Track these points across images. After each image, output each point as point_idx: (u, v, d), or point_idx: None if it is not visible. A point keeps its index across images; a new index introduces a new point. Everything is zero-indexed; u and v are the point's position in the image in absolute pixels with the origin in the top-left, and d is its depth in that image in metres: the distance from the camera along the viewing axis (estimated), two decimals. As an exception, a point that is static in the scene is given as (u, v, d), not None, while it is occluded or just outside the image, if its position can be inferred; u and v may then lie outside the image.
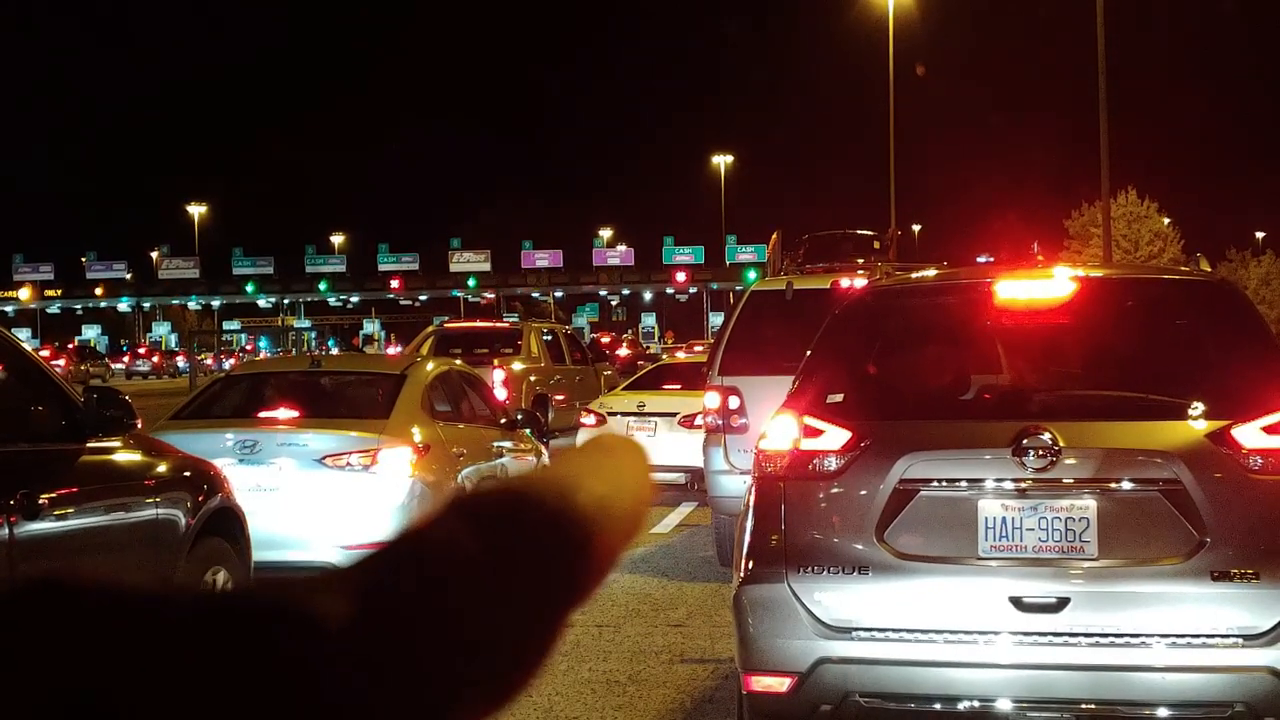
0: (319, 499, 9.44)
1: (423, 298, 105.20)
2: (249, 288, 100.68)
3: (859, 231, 22.74)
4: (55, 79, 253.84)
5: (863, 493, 5.07)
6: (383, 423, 9.92)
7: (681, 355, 27.74)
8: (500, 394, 18.17)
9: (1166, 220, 78.97)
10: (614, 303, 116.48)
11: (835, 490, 5.11)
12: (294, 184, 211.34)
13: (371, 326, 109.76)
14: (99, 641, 0.48)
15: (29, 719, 0.45)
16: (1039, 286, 5.62)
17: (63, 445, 6.18)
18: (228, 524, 7.25)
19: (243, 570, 7.38)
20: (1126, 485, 4.89)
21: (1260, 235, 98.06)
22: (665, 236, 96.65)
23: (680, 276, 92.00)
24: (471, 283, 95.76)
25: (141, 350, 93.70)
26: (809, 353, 5.69)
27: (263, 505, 8.73)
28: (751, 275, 52.93)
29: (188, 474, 6.98)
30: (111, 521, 6.27)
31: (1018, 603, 4.85)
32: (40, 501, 5.53)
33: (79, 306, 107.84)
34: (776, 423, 5.30)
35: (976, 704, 4.86)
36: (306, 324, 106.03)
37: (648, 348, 75.12)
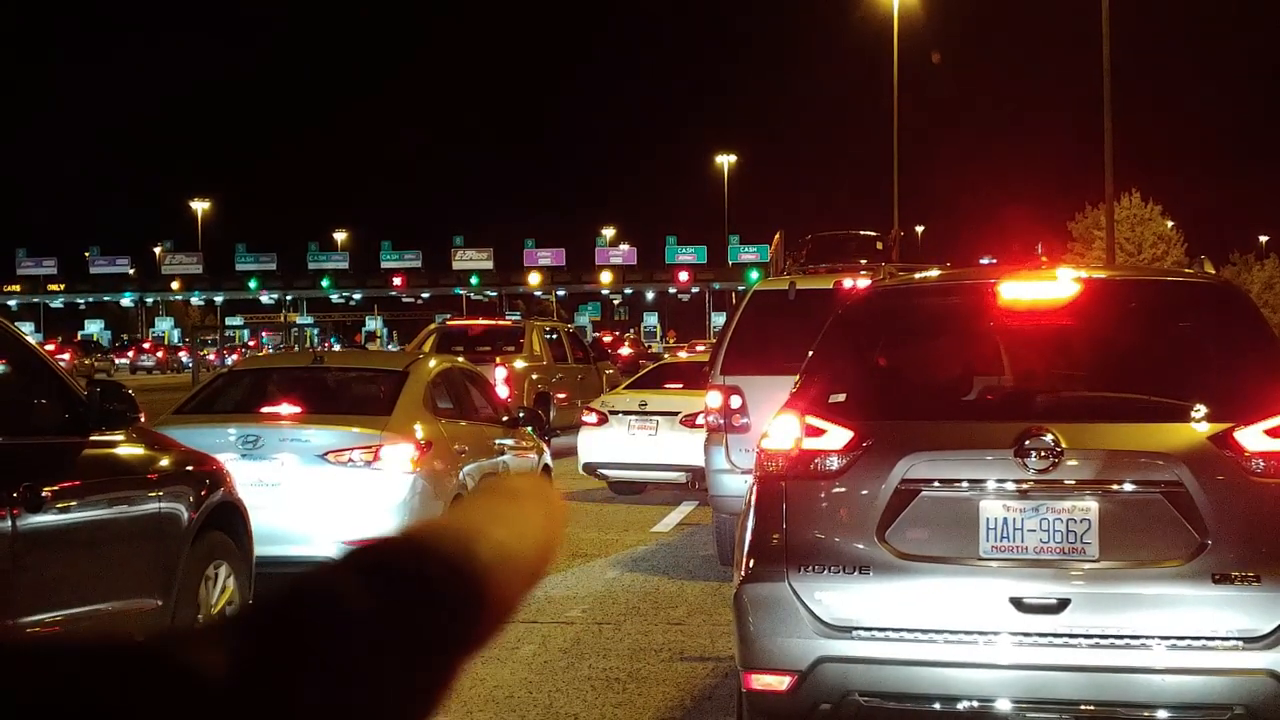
0: (321, 494, 9.46)
1: (425, 295, 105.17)
2: (252, 284, 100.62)
3: (862, 232, 22.75)
4: (60, 74, 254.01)
5: (864, 492, 5.07)
6: (385, 419, 9.94)
7: (683, 355, 27.76)
8: (502, 392, 18.18)
9: (1170, 223, 78.91)
10: (616, 302, 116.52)
11: (837, 490, 5.12)
12: (297, 180, 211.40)
13: (374, 324, 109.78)
14: None
15: None
16: (1042, 288, 5.62)
17: (66, 439, 6.19)
18: (230, 518, 7.26)
19: (244, 565, 7.39)
20: (1128, 487, 4.89)
21: (1264, 239, 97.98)
22: (668, 236, 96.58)
23: (683, 276, 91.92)
24: (474, 280, 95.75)
25: (146, 345, 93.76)
26: (811, 353, 5.70)
27: (265, 500, 8.75)
28: (754, 275, 52.89)
29: (190, 468, 6.99)
30: (114, 515, 6.28)
31: (1018, 603, 4.85)
32: (43, 495, 5.54)
33: (82, 301, 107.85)
34: (778, 422, 5.31)
35: (976, 704, 4.86)
36: (309, 320, 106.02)
37: (650, 347, 75.19)
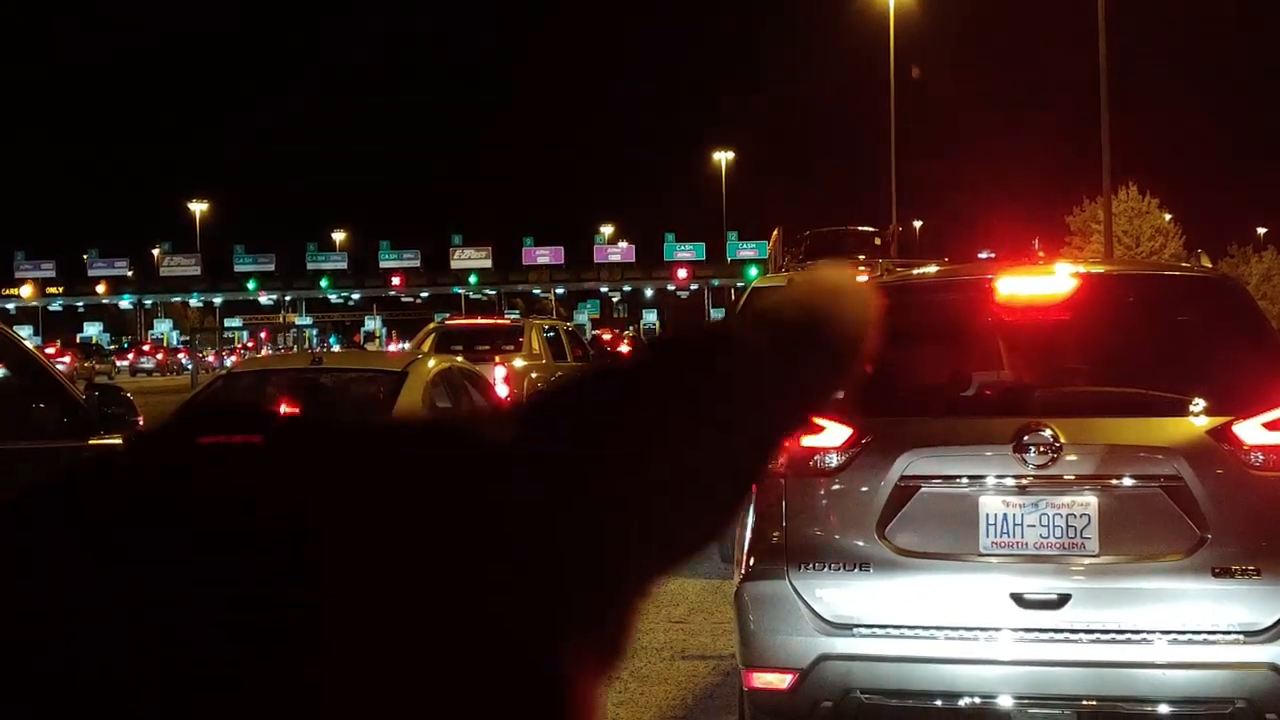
0: (320, 496, 9.45)
1: (424, 294, 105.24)
2: (250, 285, 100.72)
3: (860, 228, 22.77)
4: (57, 75, 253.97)
5: (864, 489, 5.07)
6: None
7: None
8: (502, 391, 18.17)
9: (1168, 216, 78.93)
10: (615, 299, 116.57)
11: (836, 487, 5.11)
12: (295, 181, 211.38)
13: (373, 323, 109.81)
14: None
15: None
16: (1040, 283, 5.61)
17: (64, 443, 6.18)
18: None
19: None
20: (1127, 481, 4.89)
21: (1262, 231, 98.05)
22: (666, 233, 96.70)
23: (681, 273, 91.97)
24: (473, 279, 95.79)
25: (146, 347, 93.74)
26: (810, 349, 5.69)
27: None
28: (753, 272, 52.89)
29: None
30: None
31: (1019, 599, 4.85)
32: None
33: (80, 304, 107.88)
34: (778, 419, 5.30)
35: (977, 700, 4.86)
36: (308, 321, 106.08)
37: (649, 344, 75.04)
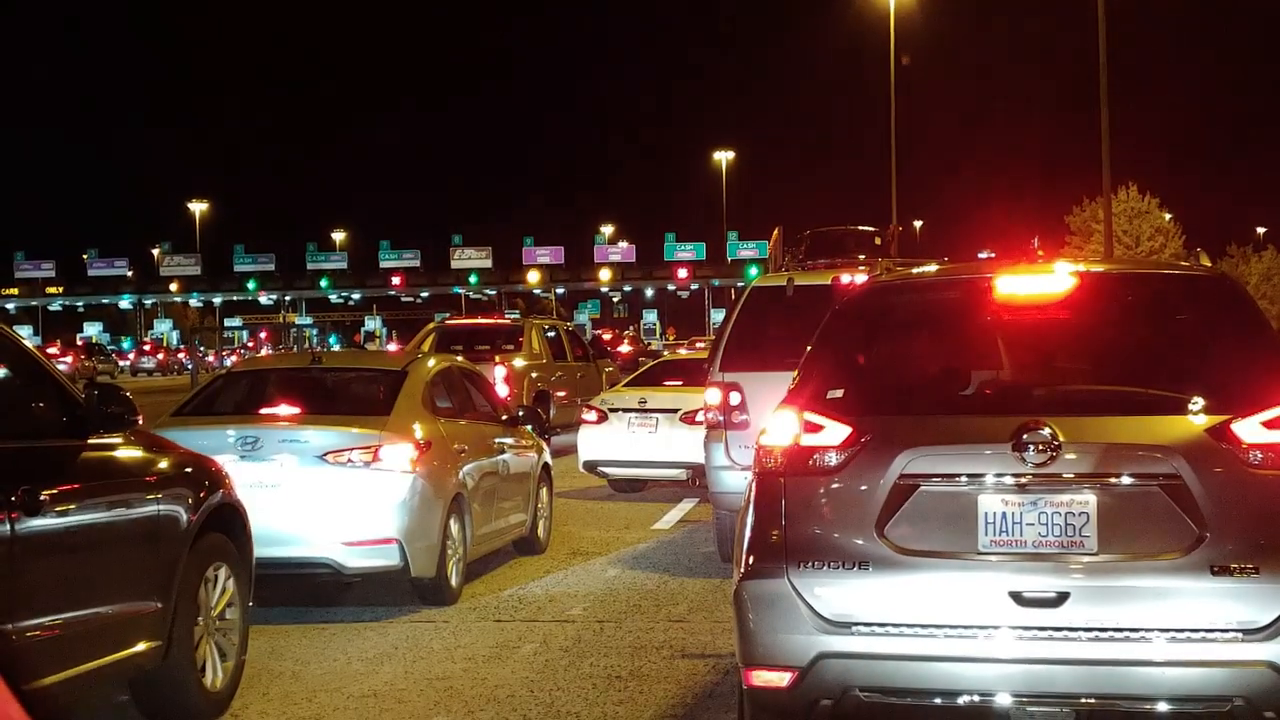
0: (320, 495, 9.45)
1: (424, 294, 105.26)
2: (250, 285, 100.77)
3: (860, 227, 22.75)
4: (57, 75, 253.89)
5: (863, 488, 5.07)
6: (384, 419, 9.93)
7: (683, 352, 27.76)
8: (502, 390, 18.18)
9: (1168, 216, 78.97)
10: (615, 299, 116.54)
11: (835, 485, 5.11)
12: (295, 181, 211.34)
13: (373, 323, 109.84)
14: None
15: None
16: (1039, 282, 5.62)
17: (64, 442, 6.18)
18: (229, 520, 7.24)
19: (244, 567, 7.38)
20: (1126, 480, 4.89)
21: (1261, 231, 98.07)
22: (667, 233, 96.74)
23: (682, 273, 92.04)
24: (473, 279, 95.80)
25: (147, 347, 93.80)
26: (809, 348, 5.69)
27: (264, 502, 8.73)
28: (753, 271, 52.93)
29: (189, 470, 6.98)
30: (113, 518, 6.27)
31: (1017, 597, 4.85)
32: (42, 498, 5.52)
33: (80, 304, 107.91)
34: (777, 418, 5.31)
35: (976, 698, 4.86)
36: (308, 321, 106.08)
37: (649, 344, 75.18)
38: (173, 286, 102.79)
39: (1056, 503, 4.90)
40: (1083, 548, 4.86)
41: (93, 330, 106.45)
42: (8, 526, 5.32)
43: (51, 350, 70.00)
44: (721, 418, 11.39)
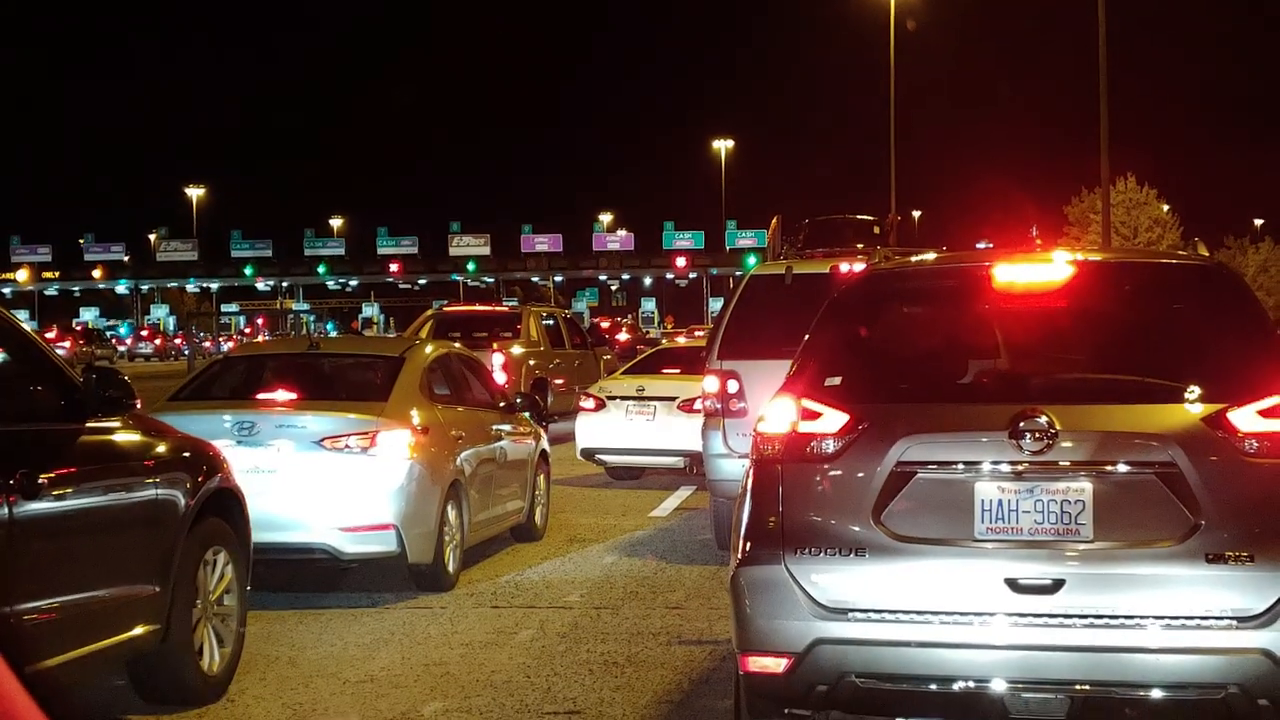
0: (317, 481, 9.45)
1: (422, 281, 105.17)
2: (247, 271, 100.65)
3: (859, 217, 22.74)
4: (54, 59, 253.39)
5: (860, 475, 5.08)
6: (381, 405, 9.93)
7: (681, 340, 27.72)
8: (499, 378, 18.18)
9: (1166, 207, 78.97)
10: (614, 287, 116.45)
11: (833, 472, 5.12)
12: (294, 167, 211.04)
13: (370, 310, 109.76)
14: None
15: None
16: (1037, 270, 5.63)
17: (63, 425, 6.18)
18: (227, 505, 7.25)
19: (242, 551, 7.39)
20: (1122, 468, 4.90)
21: (1259, 223, 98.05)
22: (665, 221, 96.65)
23: (680, 261, 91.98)
24: (471, 267, 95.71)
25: (145, 333, 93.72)
26: (807, 336, 5.70)
27: (261, 487, 8.73)
28: (751, 260, 52.90)
29: (187, 454, 6.99)
30: (111, 501, 6.28)
31: (1013, 584, 4.86)
32: (40, 481, 5.53)
33: (77, 288, 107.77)
34: (775, 406, 5.32)
35: (972, 685, 4.87)
36: (305, 307, 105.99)
37: (647, 332, 75.16)
38: (169, 272, 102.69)
39: (1053, 490, 4.92)
40: (1078, 535, 4.87)
41: (89, 315, 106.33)
42: (6, 510, 5.33)
43: (49, 335, 69.98)
44: (719, 405, 11.40)
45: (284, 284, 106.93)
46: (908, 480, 5.04)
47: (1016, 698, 4.84)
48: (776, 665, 5.03)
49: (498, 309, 27.39)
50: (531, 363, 22.53)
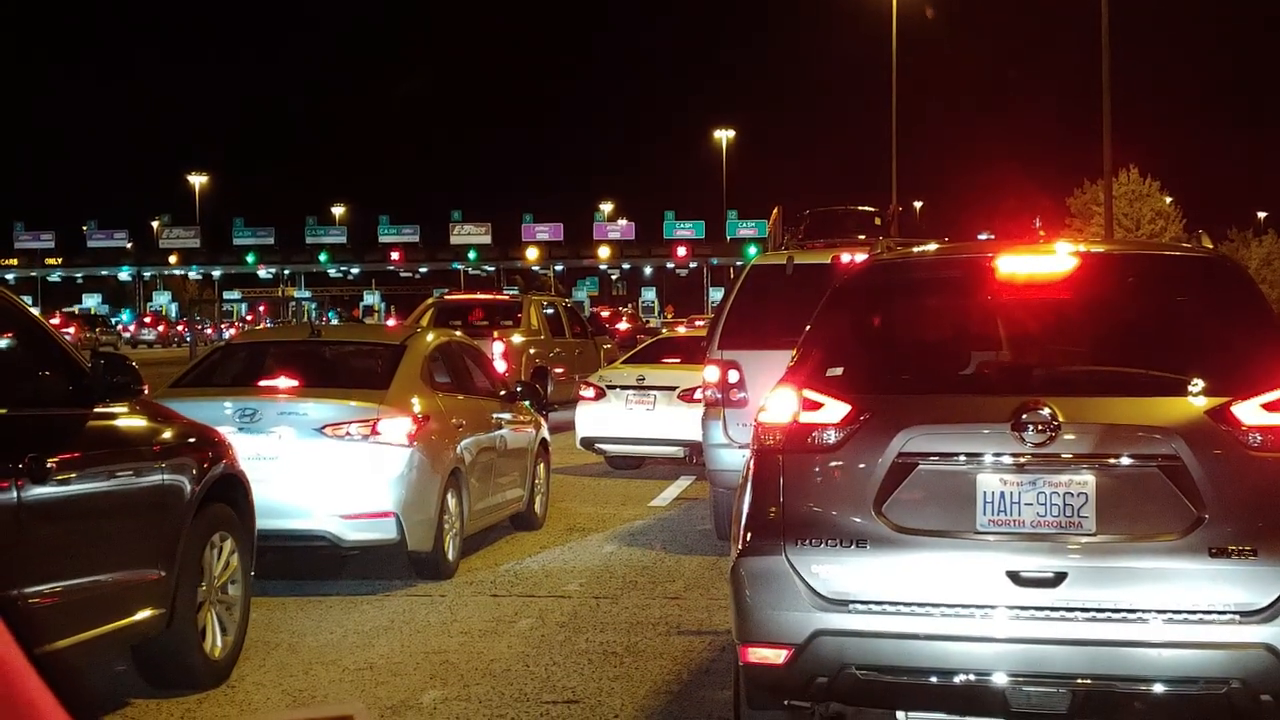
0: (318, 468, 9.45)
1: (423, 270, 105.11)
2: (249, 258, 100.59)
3: (860, 207, 22.75)
4: (59, 48, 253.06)
5: (861, 466, 5.07)
6: (382, 393, 9.93)
7: (681, 329, 27.73)
8: (500, 366, 18.19)
9: (1168, 199, 78.89)
10: (614, 277, 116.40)
11: (834, 463, 5.12)
12: (296, 155, 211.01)
13: (372, 298, 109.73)
14: None
15: None
16: (1040, 262, 5.61)
17: (71, 410, 6.21)
18: (232, 490, 7.27)
19: (247, 537, 7.41)
20: (1125, 461, 4.89)
21: (1262, 215, 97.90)
22: (666, 211, 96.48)
23: (681, 251, 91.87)
24: (472, 255, 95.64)
25: (147, 319, 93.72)
26: (809, 327, 5.69)
27: (262, 474, 8.72)
28: (752, 250, 52.83)
29: (193, 440, 7.01)
30: (118, 486, 6.30)
31: (1015, 577, 4.85)
32: (48, 465, 5.56)
33: (79, 275, 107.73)
34: (776, 396, 5.31)
35: (973, 678, 4.87)
36: (307, 295, 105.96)
37: (647, 322, 75.13)
38: (172, 259, 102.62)
39: (1055, 483, 4.91)
40: (1081, 528, 4.87)
41: (91, 302, 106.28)
42: (15, 493, 5.35)
43: (54, 321, 70.10)
44: (720, 395, 11.39)
45: (286, 271, 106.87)
46: (909, 471, 5.03)
47: (1018, 691, 4.83)
48: (776, 656, 5.02)
49: (498, 298, 27.35)
50: (532, 351, 22.53)
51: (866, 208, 23.22)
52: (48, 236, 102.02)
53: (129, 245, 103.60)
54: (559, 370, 23.27)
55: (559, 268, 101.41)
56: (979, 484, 4.97)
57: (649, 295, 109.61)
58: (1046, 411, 4.90)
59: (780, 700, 5.16)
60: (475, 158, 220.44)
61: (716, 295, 77.46)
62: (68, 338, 9.59)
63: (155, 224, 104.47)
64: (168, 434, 6.81)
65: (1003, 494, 4.94)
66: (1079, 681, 4.80)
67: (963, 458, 5.01)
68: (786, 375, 5.40)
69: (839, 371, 5.39)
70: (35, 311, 6.71)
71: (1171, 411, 4.93)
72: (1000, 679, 4.84)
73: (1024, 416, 4.91)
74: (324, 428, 9.50)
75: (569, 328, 24.98)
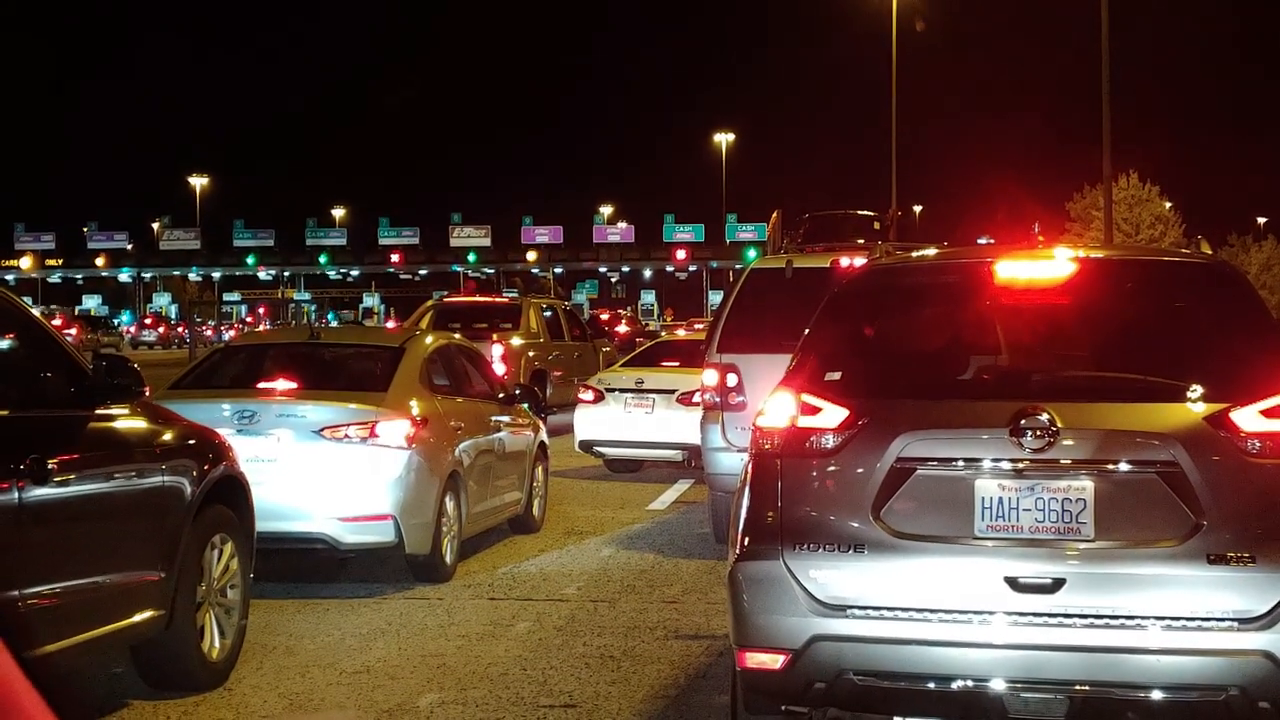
0: (317, 470, 9.45)
1: (423, 272, 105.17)
2: (250, 260, 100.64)
3: (860, 212, 22.77)
4: (60, 50, 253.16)
5: (859, 471, 5.06)
6: (381, 395, 9.92)
7: (681, 333, 27.73)
8: (499, 369, 18.17)
9: (1168, 204, 78.93)
10: (614, 280, 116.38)
11: (832, 468, 5.11)
12: (296, 156, 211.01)
13: (371, 300, 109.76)
14: None
15: None
16: (1039, 267, 5.60)
17: (72, 412, 6.22)
18: (232, 492, 7.28)
19: (246, 539, 7.41)
20: (1124, 467, 4.88)
21: (1262, 221, 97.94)
22: (666, 214, 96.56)
23: (680, 254, 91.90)
24: (471, 258, 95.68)
25: (148, 321, 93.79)
26: (808, 331, 5.68)
27: (261, 476, 8.71)
28: (751, 254, 52.83)
29: (193, 442, 7.02)
30: (118, 488, 6.31)
31: (1013, 583, 4.84)
32: (49, 467, 5.56)
33: (80, 276, 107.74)
34: (774, 400, 5.30)
35: (970, 684, 4.85)
36: (306, 297, 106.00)
37: (647, 325, 75.11)
38: (172, 261, 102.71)
39: (1054, 489, 4.90)
40: (1079, 534, 4.85)
41: (91, 303, 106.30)
42: (15, 494, 5.36)
43: (55, 323, 70.13)
44: (718, 399, 11.39)
45: (286, 273, 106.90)
46: (907, 477, 5.02)
47: (1015, 697, 4.82)
48: (774, 661, 5.01)
49: (498, 300, 27.35)
50: (531, 354, 22.53)
51: (866, 212, 23.26)
52: (48, 238, 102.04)
53: (129, 246, 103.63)
54: (558, 373, 23.26)
55: (558, 270, 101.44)
56: (977, 489, 4.96)
57: (648, 298, 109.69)
58: (1045, 417, 4.89)
59: (777, 705, 5.15)
60: (475, 160, 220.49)
61: (716, 298, 77.50)
62: (69, 339, 9.60)
63: (156, 225, 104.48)
64: (168, 436, 6.82)
65: (1001, 499, 4.93)
66: (1077, 688, 4.79)
67: (961, 463, 5.00)
68: (785, 379, 5.39)
69: (837, 376, 5.38)
70: (36, 312, 6.71)
71: (1170, 418, 4.92)
72: (998, 685, 4.83)
73: (1023, 422, 4.90)
74: (323, 430, 9.50)
75: (568, 330, 24.98)
